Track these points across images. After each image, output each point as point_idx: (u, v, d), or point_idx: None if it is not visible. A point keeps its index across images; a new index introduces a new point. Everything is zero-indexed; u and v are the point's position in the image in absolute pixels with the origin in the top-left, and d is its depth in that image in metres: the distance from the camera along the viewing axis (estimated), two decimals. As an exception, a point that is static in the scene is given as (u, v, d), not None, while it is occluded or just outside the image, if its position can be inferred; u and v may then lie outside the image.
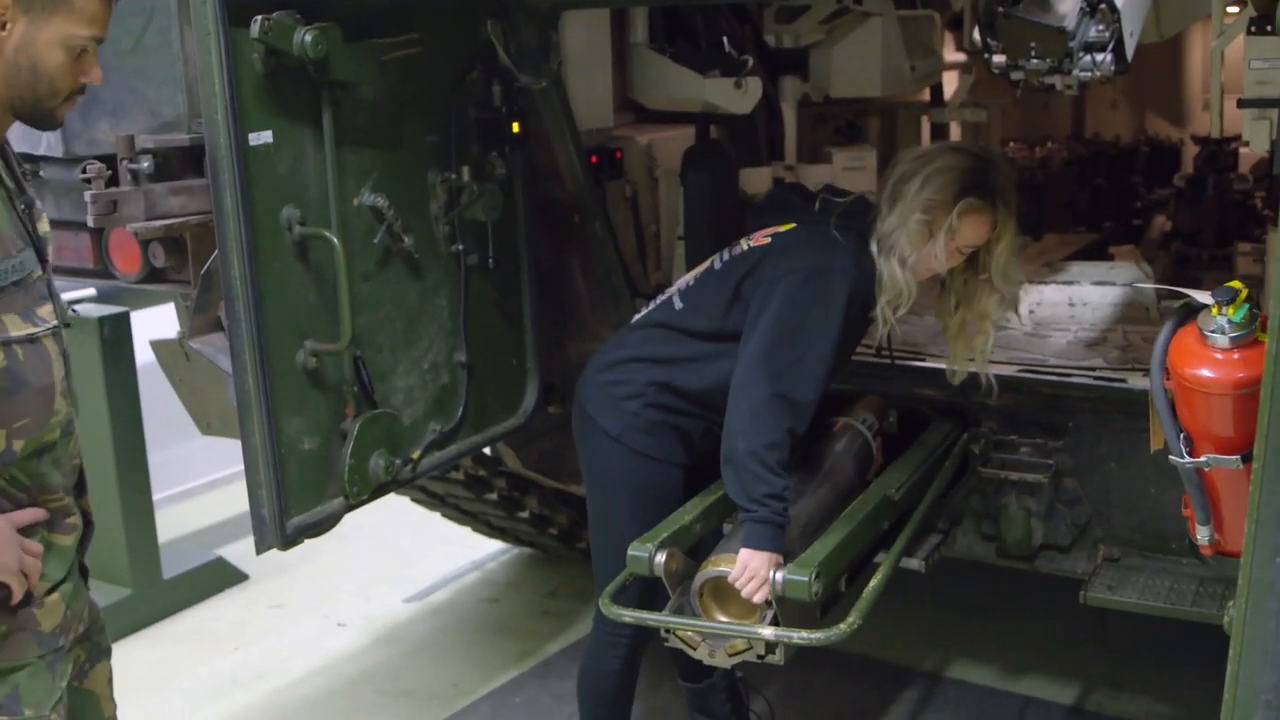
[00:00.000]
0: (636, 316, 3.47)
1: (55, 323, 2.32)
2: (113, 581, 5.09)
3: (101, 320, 4.89)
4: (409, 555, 5.73)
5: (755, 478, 3.00)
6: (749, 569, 2.96)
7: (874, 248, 3.18)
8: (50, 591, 2.36)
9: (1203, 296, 2.46)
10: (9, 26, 2.19)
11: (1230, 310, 2.39)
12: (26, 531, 2.31)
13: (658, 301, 3.44)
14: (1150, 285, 4.38)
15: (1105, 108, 8.35)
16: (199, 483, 6.52)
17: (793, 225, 3.27)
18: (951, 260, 3.22)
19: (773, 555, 2.97)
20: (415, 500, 5.02)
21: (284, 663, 4.83)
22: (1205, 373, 2.42)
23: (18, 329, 2.22)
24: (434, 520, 5.31)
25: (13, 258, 2.22)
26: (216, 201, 2.87)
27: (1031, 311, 4.55)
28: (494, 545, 5.65)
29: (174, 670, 4.77)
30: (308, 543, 3.33)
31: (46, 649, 2.35)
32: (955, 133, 6.30)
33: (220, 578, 5.46)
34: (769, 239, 3.27)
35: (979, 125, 6.24)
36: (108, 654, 2.65)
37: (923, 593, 4.83)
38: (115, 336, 4.94)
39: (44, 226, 2.39)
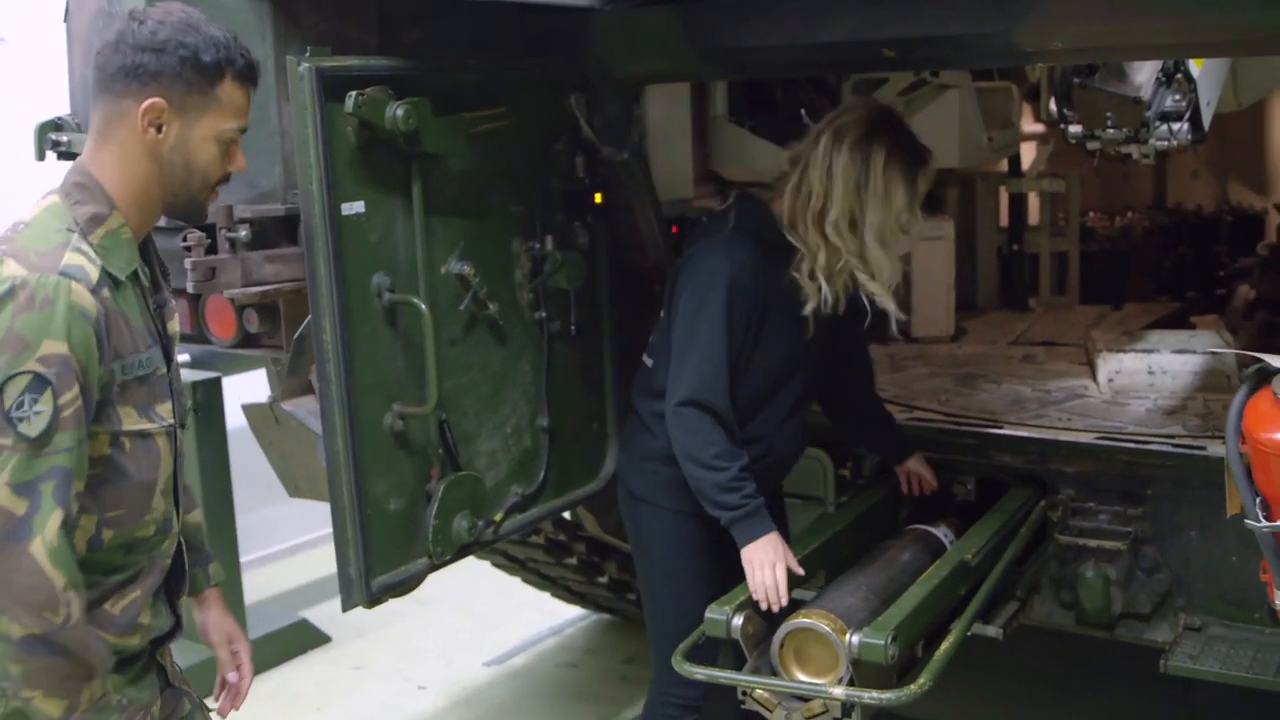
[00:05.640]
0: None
1: (171, 421, 2.35)
2: (200, 640, 5.17)
3: (194, 385, 5.03)
4: (489, 620, 5.79)
5: (704, 482, 3.18)
6: (754, 561, 3.11)
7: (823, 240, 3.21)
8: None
9: (1276, 361, 2.48)
10: (165, 129, 2.25)
11: (1305, 375, 2.40)
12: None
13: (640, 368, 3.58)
14: (1231, 352, 4.36)
15: (1187, 177, 8.30)
16: (284, 546, 6.65)
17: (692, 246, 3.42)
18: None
19: (769, 538, 3.13)
20: (496, 565, 5.09)
21: (366, 723, 4.91)
22: (1280, 437, 2.43)
23: (132, 423, 2.26)
24: (514, 585, 5.37)
25: (141, 353, 2.27)
26: (310, 269, 2.98)
27: (1111, 380, 4.55)
28: (573, 611, 5.69)
29: (258, 729, 4.85)
30: (390, 606, 3.40)
31: None
32: (1034, 203, 6.33)
33: (304, 639, 5.56)
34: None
35: (1057, 195, 6.25)
36: None
37: (1003, 662, 4.79)
38: (207, 401, 5.09)
39: (174, 327, 2.45)
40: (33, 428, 2.09)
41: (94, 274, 2.18)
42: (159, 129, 2.25)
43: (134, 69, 2.23)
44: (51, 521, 2.10)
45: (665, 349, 3.37)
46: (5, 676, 2.13)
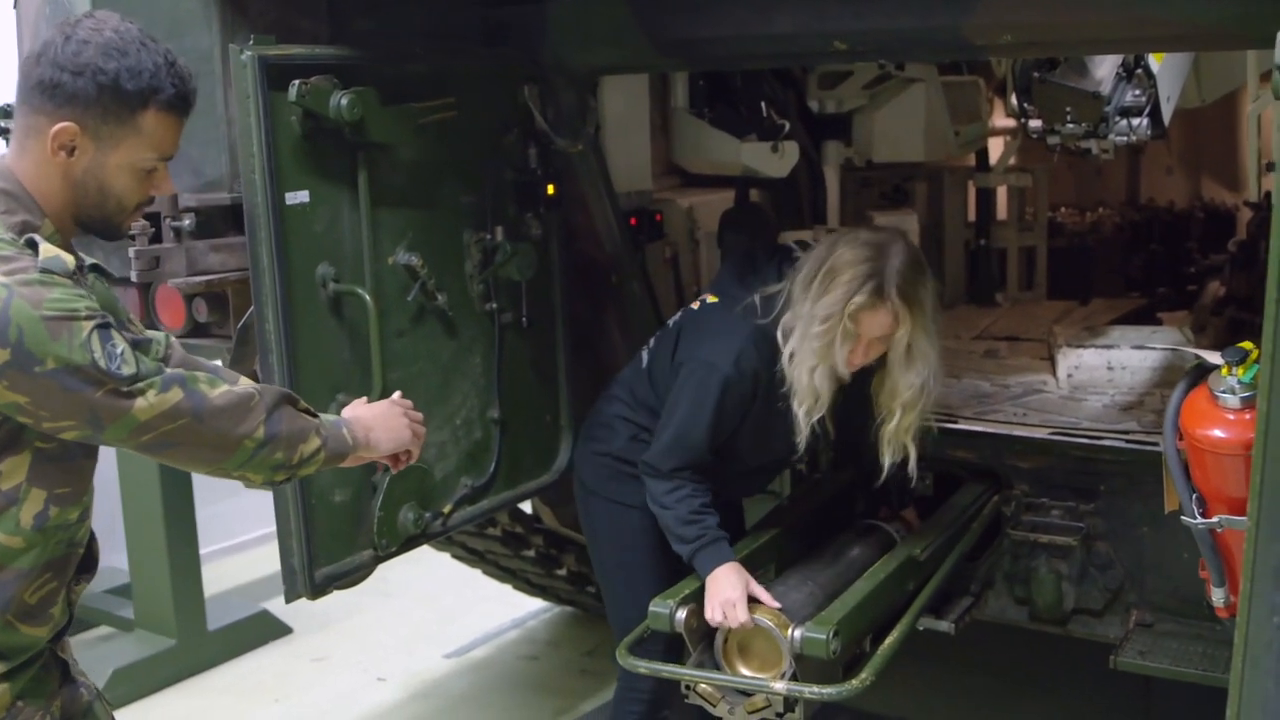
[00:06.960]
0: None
1: None
2: (158, 632, 5.17)
3: (154, 375, 5.00)
4: (451, 611, 5.77)
5: (667, 518, 3.21)
6: (715, 592, 3.06)
7: (784, 352, 3.15)
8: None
9: (1214, 357, 2.47)
10: (76, 153, 2.15)
11: (1240, 371, 2.40)
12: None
13: (633, 362, 3.56)
14: (1189, 349, 4.36)
15: (1160, 173, 8.31)
16: (246, 538, 6.61)
17: (716, 299, 3.36)
18: (869, 354, 3.15)
19: (728, 568, 3.08)
20: (456, 557, 5.06)
21: (323, 715, 4.88)
22: (1216, 433, 2.43)
23: None
24: (476, 577, 5.35)
25: None
26: (253, 258, 2.96)
27: (1070, 375, 4.55)
28: (535, 603, 5.67)
29: (215, 720, 4.84)
30: (351, 598, 3.37)
31: None
32: (1002, 197, 6.32)
33: (264, 630, 5.53)
34: (697, 305, 3.42)
35: (1025, 190, 6.24)
36: None
37: (963, 657, 4.80)
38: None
39: None
40: (129, 365, 2.09)
41: (70, 261, 2.11)
42: (70, 152, 2.15)
43: (50, 87, 2.13)
44: (185, 379, 2.17)
45: (664, 362, 3.38)
46: (282, 465, 2.33)
